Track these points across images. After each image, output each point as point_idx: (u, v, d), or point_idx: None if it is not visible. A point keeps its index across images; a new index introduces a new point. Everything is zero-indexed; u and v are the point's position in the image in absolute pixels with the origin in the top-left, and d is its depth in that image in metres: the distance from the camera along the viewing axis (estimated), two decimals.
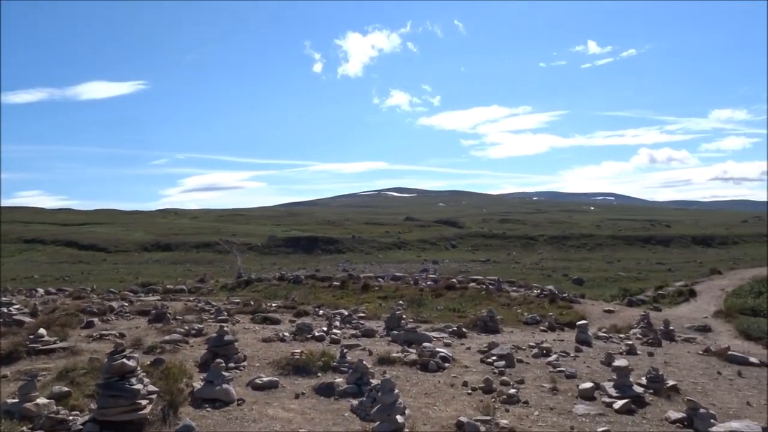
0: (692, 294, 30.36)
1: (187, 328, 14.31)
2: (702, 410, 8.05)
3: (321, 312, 19.94)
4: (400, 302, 22.86)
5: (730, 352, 13.12)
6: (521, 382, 10.21)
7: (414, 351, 12.13)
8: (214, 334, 11.46)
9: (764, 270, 35.56)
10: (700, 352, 13.74)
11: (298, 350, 11.71)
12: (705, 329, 20.21)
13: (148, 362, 10.08)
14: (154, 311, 16.85)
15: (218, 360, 9.34)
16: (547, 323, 18.28)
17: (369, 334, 14.96)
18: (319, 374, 10.40)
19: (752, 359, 12.86)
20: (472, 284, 28.46)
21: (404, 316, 16.55)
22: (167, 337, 12.76)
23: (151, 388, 7.68)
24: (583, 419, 8.25)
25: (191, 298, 24.72)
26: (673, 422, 8.10)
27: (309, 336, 14.04)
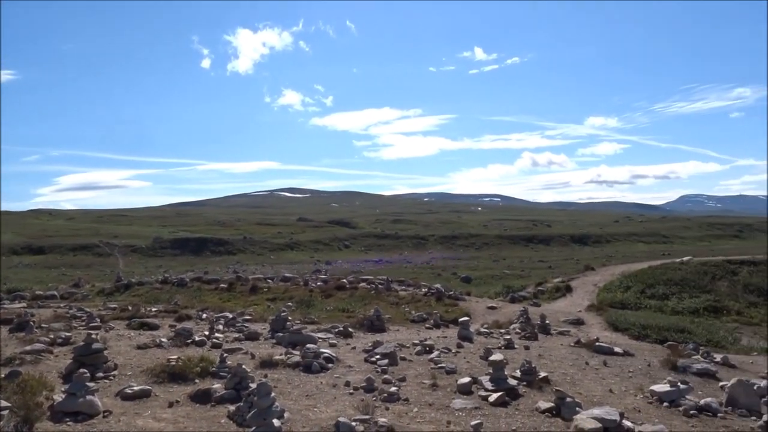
0: (568, 290, 32.19)
1: (52, 336, 13.30)
2: (569, 399, 8.48)
3: (204, 316, 19.29)
4: (289, 303, 22.61)
5: (597, 344, 13.97)
6: (403, 379, 10.32)
7: (298, 353, 11.98)
8: (82, 343, 10.73)
9: (632, 266, 38.28)
10: (572, 344, 14.54)
11: (175, 356, 11.22)
12: (578, 322, 21.46)
13: (3, 375, 9.28)
14: (16, 319, 15.57)
15: (82, 370, 8.73)
16: (432, 321, 18.68)
17: (253, 337, 14.62)
18: (197, 381, 10.00)
19: (617, 349, 13.77)
20: (363, 284, 28.61)
21: (290, 318, 16.32)
22: (29, 348, 11.79)
23: (3, 403, 7.05)
24: (460, 413, 8.45)
25: (62, 305, 23.14)
26: (543, 412, 8.47)
27: (189, 341, 13.49)
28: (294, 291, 27.30)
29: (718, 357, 14.00)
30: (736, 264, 36.53)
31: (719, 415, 8.92)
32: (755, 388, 10.29)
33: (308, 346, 12.20)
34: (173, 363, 10.51)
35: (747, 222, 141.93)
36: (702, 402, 9.21)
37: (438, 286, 28.28)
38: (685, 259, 38.76)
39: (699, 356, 13.80)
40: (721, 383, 11.02)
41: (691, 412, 8.88)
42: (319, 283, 29.11)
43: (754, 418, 8.94)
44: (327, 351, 12.12)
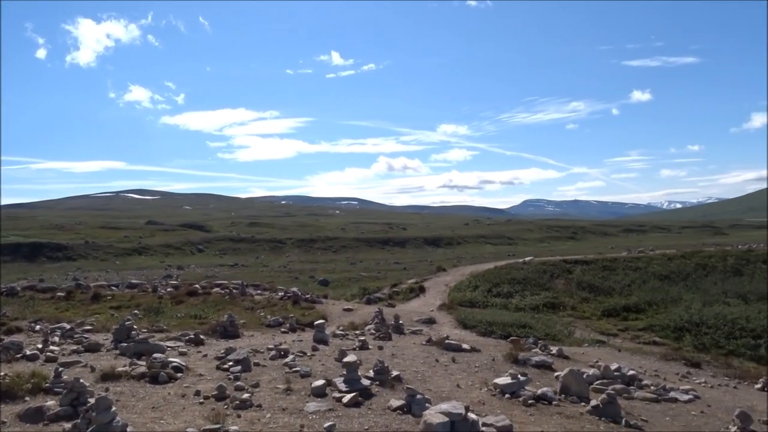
0: (422, 290, 33.32)
1: None
2: (419, 396, 8.75)
3: (38, 327, 17.66)
4: (136, 311, 21.31)
5: (447, 341, 14.57)
6: (256, 385, 10.09)
7: (144, 363, 11.30)
8: None
9: (480, 267, 40.44)
10: (423, 343, 15.02)
11: (2, 373, 10.15)
12: (431, 321, 22.26)
13: None
14: None
15: None
16: (288, 325, 18.48)
17: (94, 348, 13.58)
18: (27, 399, 9.10)
19: (465, 346, 14.44)
20: (216, 289, 27.72)
21: (136, 327, 15.37)
22: None
23: None
24: (314, 416, 8.41)
25: None
26: (395, 410, 8.66)
27: (18, 356, 12.28)
28: (141, 298, 25.82)
29: (554, 349, 15.14)
30: (571, 263, 39.83)
31: (554, 402, 9.63)
32: (585, 376, 11.26)
33: (155, 355, 11.57)
34: None
35: (581, 225, 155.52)
36: (539, 392, 9.89)
37: (295, 289, 28.08)
38: (527, 259, 41.57)
39: (537, 349, 14.84)
40: (556, 373, 11.90)
41: (530, 401, 9.51)
42: (169, 289, 27.80)
43: (583, 403, 9.75)
44: (176, 360, 11.56)
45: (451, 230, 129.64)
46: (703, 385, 13.45)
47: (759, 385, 13.69)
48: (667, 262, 41.44)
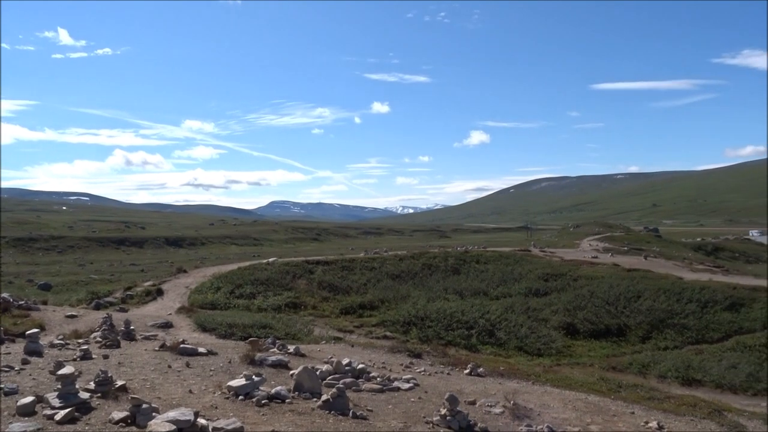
0: (160, 293, 31.56)
1: None
2: (145, 405, 8.21)
3: None
4: None
5: (182, 345, 13.97)
6: None
7: None
8: None
9: (224, 268, 39.63)
10: (156, 349, 14.22)
11: None
12: (167, 326, 21.19)
13: None
14: None
15: None
16: None
17: None
18: None
19: (201, 349, 14.00)
20: None
21: None
22: None
23: None
24: None
25: None
26: (117, 422, 8.02)
27: None
28: None
29: (292, 348, 15.45)
30: (313, 264, 41.08)
31: (287, 400, 9.80)
32: (318, 372, 11.67)
33: None
34: None
35: (324, 227, 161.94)
36: (273, 391, 9.98)
37: (5, 295, 24.58)
38: (270, 260, 41.84)
39: (275, 349, 15.00)
40: (291, 372, 12.13)
41: (263, 401, 9.55)
42: None
43: (315, 399, 10.08)
44: None
45: (194, 230, 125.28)
46: (422, 373, 14.82)
47: (467, 371, 15.53)
48: (399, 262, 44.99)
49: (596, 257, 55.55)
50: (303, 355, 15.14)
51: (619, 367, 24.54)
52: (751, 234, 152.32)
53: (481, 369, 15.83)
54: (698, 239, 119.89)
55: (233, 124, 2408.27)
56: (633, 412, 12.40)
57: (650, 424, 11.28)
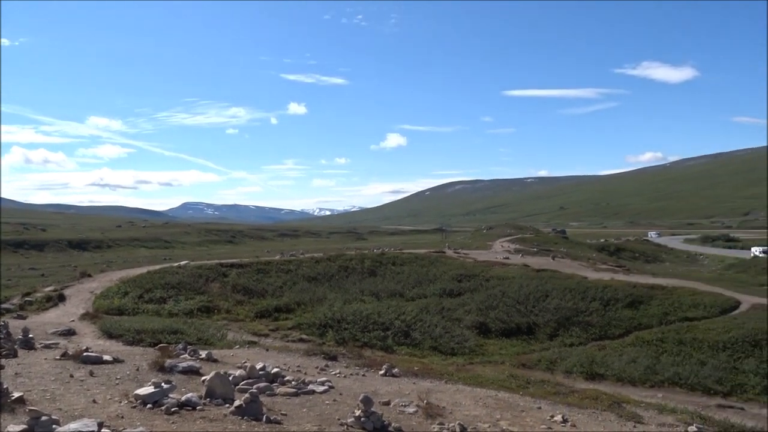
0: (62, 298, 29.99)
1: None
2: (44, 418, 7.79)
3: None
4: None
5: (86, 354, 13.34)
6: None
7: None
8: None
9: (132, 271, 38.17)
10: (58, 358, 13.51)
11: None
12: (70, 333, 20.15)
13: None
14: None
15: None
16: None
17: None
18: None
19: (107, 357, 13.43)
20: None
21: None
22: None
23: None
24: None
25: None
26: None
27: None
28: None
29: (204, 354, 15.07)
30: (227, 267, 40.23)
31: (198, 407, 9.55)
32: (231, 378, 11.44)
33: None
34: None
35: (239, 229, 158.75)
36: (183, 398, 9.70)
37: None
38: (182, 263, 40.68)
39: (187, 355, 14.60)
40: (203, 378, 11.83)
41: (173, 409, 9.26)
42: None
43: (227, 405, 9.87)
44: None
45: (101, 232, 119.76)
46: (338, 375, 14.83)
47: (382, 372, 15.68)
48: (315, 264, 44.80)
49: (507, 258, 57.39)
50: (216, 361, 14.81)
51: (529, 364, 25.51)
52: (649, 235, 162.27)
53: (396, 369, 16.01)
54: (602, 240, 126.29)
55: (143, 122, 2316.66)
56: (540, 407, 12.90)
57: (555, 418, 11.78)
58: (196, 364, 13.08)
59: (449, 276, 43.63)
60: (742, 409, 21.11)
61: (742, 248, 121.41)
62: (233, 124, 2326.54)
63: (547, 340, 31.11)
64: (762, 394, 23.08)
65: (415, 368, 17.16)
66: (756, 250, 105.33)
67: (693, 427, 12.01)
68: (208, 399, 10.17)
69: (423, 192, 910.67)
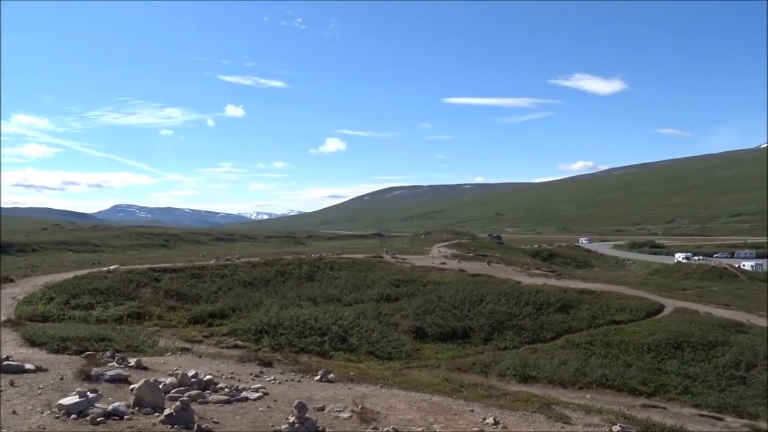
0: None
1: None
2: None
3: None
4: None
5: (5, 362, 12.71)
6: None
7: None
8: None
9: (58, 276, 36.67)
10: None
11: None
12: None
13: None
14: None
15: None
16: None
17: None
18: None
19: (28, 366, 12.83)
20: None
21: None
22: None
23: None
24: None
25: None
26: None
27: None
28: None
29: (133, 361, 14.62)
30: (159, 271, 39.18)
31: (126, 417, 9.26)
32: (161, 386, 11.15)
33: None
34: None
35: (173, 232, 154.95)
36: (110, 407, 9.39)
37: None
38: (112, 267, 39.35)
39: (115, 363, 14.13)
40: (131, 386, 11.48)
41: (99, 419, 8.95)
42: None
43: (157, 413, 9.61)
44: None
45: (24, 235, 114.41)
46: (272, 382, 14.68)
47: (318, 377, 15.61)
48: (251, 269, 44.17)
49: (444, 263, 58.19)
50: (145, 368, 14.39)
51: (464, 368, 25.92)
52: (580, 241, 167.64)
53: (331, 375, 15.97)
54: (535, 246, 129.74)
55: (71, 120, 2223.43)
56: (473, 410, 13.13)
57: (487, 420, 12.02)
58: (125, 372, 12.68)
59: (387, 281, 43.86)
60: (665, 408, 22.12)
61: (667, 254, 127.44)
62: (168, 125, 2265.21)
63: (481, 343, 31.69)
64: (683, 394, 24.26)
65: (351, 373, 17.16)
66: (679, 256, 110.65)
67: (617, 427, 12.46)
68: (136, 408, 9.88)
69: (362, 197, 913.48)
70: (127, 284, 34.70)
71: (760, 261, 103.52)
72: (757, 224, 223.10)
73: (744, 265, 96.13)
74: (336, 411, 11.49)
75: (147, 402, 10.05)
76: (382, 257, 59.50)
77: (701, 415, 21.79)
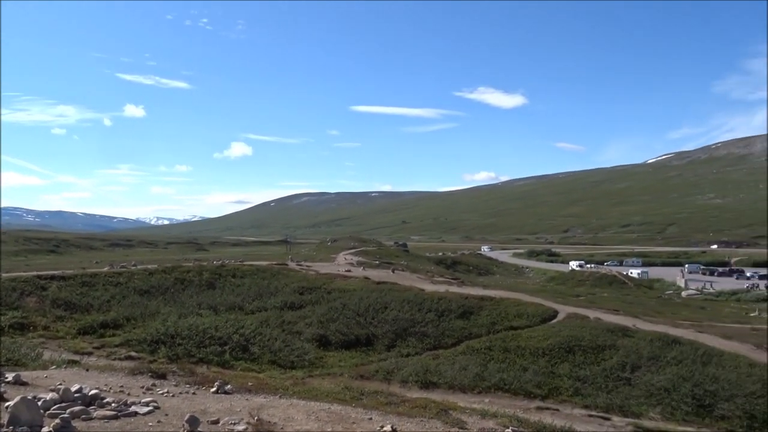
0: None
1: None
2: None
3: None
4: None
5: None
6: None
7: None
8: None
9: None
10: None
11: None
12: None
13: None
14: None
15: None
16: None
17: None
18: None
19: None
20: None
21: None
22: None
23: None
24: None
25: None
26: None
27: None
28: None
29: (11, 376, 13.61)
30: (46, 279, 36.87)
31: None
32: (41, 402, 10.43)
33: None
34: None
35: (64, 237, 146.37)
36: None
37: None
38: None
39: None
40: (6, 403, 10.68)
41: None
42: None
43: None
44: None
45: None
46: (165, 395, 14.09)
47: (214, 389, 15.13)
48: (149, 276, 42.46)
49: (350, 271, 58.30)
50: (25, 384, 13.42)
51: (367, 375, 25.99)
52: (483, 249, 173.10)
53: (228, 386, 15.53)
54: (440, 254, 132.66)
55: None
56: (371, 418, 13.15)
57: (385, 428, 12.06)
58: (1, 388, 11.78)
59: (291, 288, 43.40)
60: (557, 410, 23.10)
61: (562, 262, 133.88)
62: (60, 123, 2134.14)
63: (385, 350, 31.90)
64: (574, 396, 25.43)
65: (250, 384, 16.76)
66: (574, 264, 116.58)
67: (509, 430, 12.88)
68: (11, 427, 9.19)
69: (268, 203, 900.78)
70: (10, 293, 32.39)
71: (645, 269, 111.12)
72: (643, 234, 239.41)
73: (632, 273, 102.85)
74: (231, 423, 11.18)
75: (23, 420, 9.37)
76: (286, 264, 58.86)
77: (590, 416, 22.91)
